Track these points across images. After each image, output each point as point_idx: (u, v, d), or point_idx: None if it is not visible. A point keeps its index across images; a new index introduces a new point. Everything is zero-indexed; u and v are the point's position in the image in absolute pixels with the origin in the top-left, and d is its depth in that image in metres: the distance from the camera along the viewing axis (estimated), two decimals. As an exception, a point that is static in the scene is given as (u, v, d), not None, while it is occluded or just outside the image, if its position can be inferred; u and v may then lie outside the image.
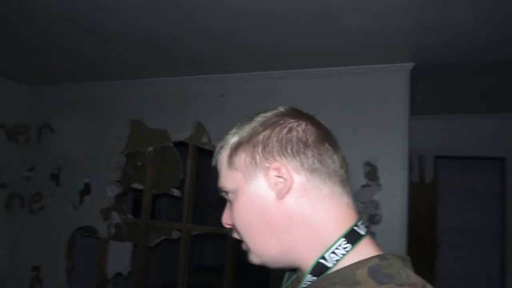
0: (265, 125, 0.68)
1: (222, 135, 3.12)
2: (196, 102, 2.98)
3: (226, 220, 0.73)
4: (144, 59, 2.68)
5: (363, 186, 2.47)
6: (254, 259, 0.69)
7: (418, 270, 0.61)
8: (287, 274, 0.75)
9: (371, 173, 2.47)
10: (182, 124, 2.98)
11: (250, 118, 0.71)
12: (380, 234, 2.38)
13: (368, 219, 2.43)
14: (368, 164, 2.49)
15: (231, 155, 0.70)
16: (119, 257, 3.08)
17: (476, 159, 4.17)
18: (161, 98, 3.09)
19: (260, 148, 0.67)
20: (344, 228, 0.64)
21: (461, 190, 4.61)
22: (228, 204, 0.73)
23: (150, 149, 3.07)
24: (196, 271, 4.51)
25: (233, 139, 0.71)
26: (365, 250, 0.63)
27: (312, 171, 0.64)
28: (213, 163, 0.75)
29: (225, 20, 2.03)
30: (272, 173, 0.65)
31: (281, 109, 0.72)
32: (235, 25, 2.07)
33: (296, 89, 2.73)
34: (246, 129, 0.70)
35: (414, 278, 0.57)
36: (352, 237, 0.63)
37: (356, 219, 0.66)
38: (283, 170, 0.64)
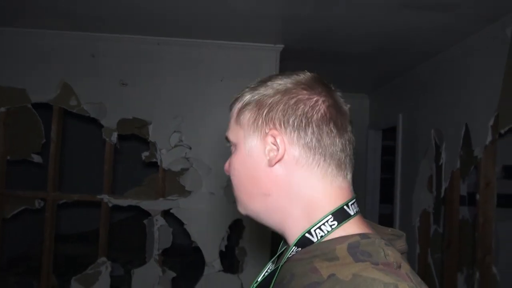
0: (277, 90, 0.67)
1: (94, 98, 3.01)
2: (62, 60, 2.72)
3: (226, 167, 0.74)
4: (-2, 5, 2.30)
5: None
6: (240, 209, 0.72)
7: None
8: (282, 243, 0.77)
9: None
10: (44, 83, 2.69)
11: (270, 78, 0.70)
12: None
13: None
14: (241, 133, 2.75)
15: (240, 110, 0.70)
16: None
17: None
18: (18, 52, 2.71)
19: (264, 112, 0.66)
20: (333, 206, 0.65)
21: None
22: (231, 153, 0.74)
23: (2, 109, 2.69)
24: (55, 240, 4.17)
25: (247, 95, 0.70)
26: (352, 229, 0.63)
27: (308, 148, 0.64)
28: (229, 110, 0.75)
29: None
30: (269, 139, 0.66)
31: (301, 76, 0.69)
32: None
33: (174, 58, 2.76)
34: (261, 90, 0.69)
35: (392, 257, 0.58)
36: (340, 215, 0.64)
37: (348, 199, 0.66)
38: (279, 139, 0.65)
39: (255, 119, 0.67)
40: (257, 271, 2.68)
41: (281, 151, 0.65)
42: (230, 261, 2.98)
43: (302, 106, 0.65)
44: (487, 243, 2.36)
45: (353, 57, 2.98)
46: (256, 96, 0.68)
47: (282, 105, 0.66)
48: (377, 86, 3.88)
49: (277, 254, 0.75)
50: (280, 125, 0.65)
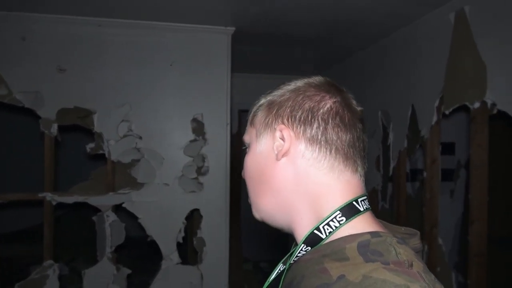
0: (287, 90, 0.70)
1: (29, 86, 2.76)
2: (-14, 44, 2.40)
3: (243, 170, 0.76)
4: None
5: (191, 141, 2.63)
6: (255, 214, 0.73)
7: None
8: (294, 243, 0.76)
9: (198, 128, 2.64)
10: (-34, 70, 2.37)
11: (284, 83, 0.72)
12: (208, 184, 2.63)
13: (196, 171, 2.63)
14: (195, 120, 2.64)
15: (254, 112, 0.73)
16: None
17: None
18: None
19: (274, 110, 0.69)
20: (342, 202, 0.64)
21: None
22: None
23: None
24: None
25: (262, 99, 0.73)
26: (361, 225, 0.63)
27: (313, 142, 0.65)
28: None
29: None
30: (277, 134, 0.67)
31: (312, 78, 0.71)
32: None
33: (118, 40, 2.56)
34: (274, 92, 0.72)
35: (404, 256, 0.57)
36: (348, 211, 0.63)
37: (358, 195, 0.65)
38: (285, 133, 0.66)
39: (266, 117, 0.70)
40: (217, 261, 2.64)
41: (286, 144, 0.66)
42: (188, 253, 2.91)
43: (308, 102, 0.67)
44: (433, 216, 2.52)
45: (302, 40, 2.97)
46: (269, 97, 0.71)
47: (290, 102, 0.68)
48: (324, 68, 3.94)
49: (288, 254, 0.72)
50: (287, 120, 0.67)
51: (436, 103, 2.41)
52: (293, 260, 0.66)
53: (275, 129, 0.68)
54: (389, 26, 2.67)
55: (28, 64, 2.44)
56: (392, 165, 2.91)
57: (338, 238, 0.62)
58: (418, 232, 0.69)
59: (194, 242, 2.72)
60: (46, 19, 2.44)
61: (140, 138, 2.59)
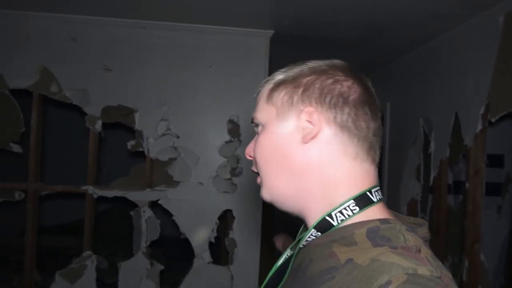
0: (313, 70, 0.67)
1: (77, 84, 2.87)
2: (41, 44, 2.58)
3: (249, 151, 0.74)
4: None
5: (226, 142, 2.67)
6: (265, 195, 0.70)
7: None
8: (302, 228, 0.76)
9: (234, 130, 2.68)
10: (23, 68, 2.55)
11: (303, 62, 0.70)
12: (241, 185, 2.65)
13: (230, 171, 2.66)
14: (231, 121, 2.68)
15: (272, 90, 0.69)
16: None
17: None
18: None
19: (300, 90, 0.66)
20: (357, 191, 0.64)
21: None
22: (256, 137, 0.73)
23: (-23, 96, 2.54)
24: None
25: (279, 76, 0.70)
26: (373, 214, 0.63)
27: (343, 128, 0.64)
28: (255, 94, 0.74)
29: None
30: (304, 116, 0.65)
31: (334, 61, 0.70)
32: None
33: (161, 42, 2.66)
34: (294, 70, 0.69)
35: (413, 242, 0.57)
36: (362, 200, 0.63)
37: (372, 186, 0.65)
38: (315, 116, 0.64)
39: (290, 97, 0.67)
40: (248, 262, 2.63)
41: (316, 128, 0.64)
42: (220, 253, 2.93)
43: (339, 86, 0.65)
44: (476, 231, 2.38)
45: (342, 43, 2.94)
46: (291, 74, 0.68)
47: (318, 84, 0.66)
48: (364, 73, 3.87)
49: (296, 240, 0.73)
50: (316, 103, 0.65)
51: (482, 110, 2.28)
52: (302, 245, 0.66)
53: (301, 110, 0.65)
54: (432, 30, 2.58)
55: (77, 64, 2.59)
56: (433, 175, 2.79)
57: (348, 225, 0.62)
58: (426, 222, 0.69)
59: (226, 243, 2.74)
60: (95, 21, 2.59)
61: (178, 137, 2.66)
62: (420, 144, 2.97)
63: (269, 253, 4.01)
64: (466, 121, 2.43)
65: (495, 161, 2.91)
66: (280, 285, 0.67)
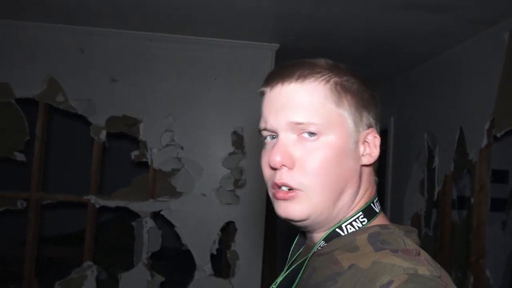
0: (361, 83, 0.66)
1: (83, 94, 2.87)
2: (48, 55, 2.61)
3: (284, 159, 0.61)
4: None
5: (230, 153, 2.67)
6: (302, 209, 0.62)
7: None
8: (297, 238, 0.76)
9: (238, 141, 2.68)
10: (29, 78, 2.57)
11: (337, 63, 0.67)
12: (244, 197, 2.64)
13: (233, 183, 2.65)
14: (235, 133, 2.69)
15: (340, 93, 0.63)
16: None
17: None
18: (1, 44, 2.58)
19: (363, 105, 0.64)
20: (364, 202, 0.65)
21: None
22: (287, 142, 0.63)
23: (-17, 104, 2.56)
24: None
25: (331, 76, 0.63)
26: (375, 223, 0.65)
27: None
28: (295, 79, 0.64)
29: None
30: (370, 139, 0.65)
31: (330, 62, 0.67)
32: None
33: (167, 55, 2.68)
34: (347, 76, 0.65)
35: (412, 246, 0.59)
36: (369, 212, 0.65)
37: (373, 197, 0.67)
38: (378, 142, 0.65)
39: (357, 109, 0.64)
40: (250, 276, 2.60)
41: (377, 153, 0.66)
42: (221, 265, 2.90)
43: (373, 106, 0.67)
44: (481, 247, 2.36)
45: (347, 58, 2.95)
46: (351, 84, 0.65)
47: (371, 103, 0.66)
48: (369, 87, 3.88)
49: (291, 250, 0.74)
50: (375, 123, 0.67)
51: (487, 126, 2.28)
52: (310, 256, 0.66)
53: (367, 127, 0.64)
54: (437, 45, 2.59)
55: (83, 74, 2.61)
56: (437, 189, 2.78)
57: (349, 233, 0.63)
58: (416, 230, 0.69)
59: (228, 255, 2.72)
60: (102, 32, 2.61)
61: (182, 148, 2.66)
62: (424, 159, 2.96)
63: (271, 264, 3.97)
64: (471, 136, 2.43)
65: (500, 176, 2.90)
66: None
